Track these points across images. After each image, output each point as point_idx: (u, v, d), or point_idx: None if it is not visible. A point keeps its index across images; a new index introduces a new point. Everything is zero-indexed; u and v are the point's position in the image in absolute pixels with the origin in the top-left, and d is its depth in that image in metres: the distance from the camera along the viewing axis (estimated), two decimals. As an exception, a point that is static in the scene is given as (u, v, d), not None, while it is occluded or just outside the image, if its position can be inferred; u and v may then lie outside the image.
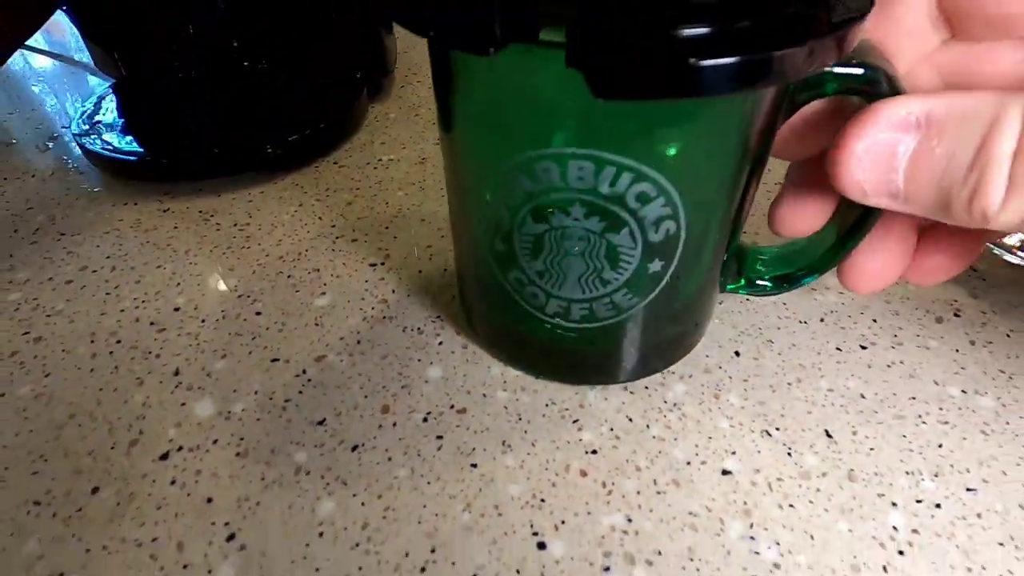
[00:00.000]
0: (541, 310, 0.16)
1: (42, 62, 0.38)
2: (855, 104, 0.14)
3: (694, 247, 0.15)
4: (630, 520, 0.15)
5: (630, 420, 0.18)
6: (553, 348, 0.18)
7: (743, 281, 0.18)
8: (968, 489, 0.16)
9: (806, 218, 0.17)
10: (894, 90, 0.13)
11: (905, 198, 0.13)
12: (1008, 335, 0.20)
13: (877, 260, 0.16)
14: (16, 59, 0.38)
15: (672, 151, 0.13)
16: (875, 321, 0.21)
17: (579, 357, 0.18)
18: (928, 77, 0.15)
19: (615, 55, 0.10)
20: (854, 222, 0.16)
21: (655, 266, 0.15)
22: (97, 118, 0.30)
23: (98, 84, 0.35)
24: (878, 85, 0.13)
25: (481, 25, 0.10)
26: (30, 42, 0.39)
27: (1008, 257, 0.22)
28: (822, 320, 0.21)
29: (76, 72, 0.37)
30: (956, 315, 0.21)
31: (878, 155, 0.13)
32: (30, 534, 0.15)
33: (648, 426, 0.18)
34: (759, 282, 0.18)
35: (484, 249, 0.16)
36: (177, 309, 0.21)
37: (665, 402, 0.18)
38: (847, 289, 0.17)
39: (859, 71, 0.13)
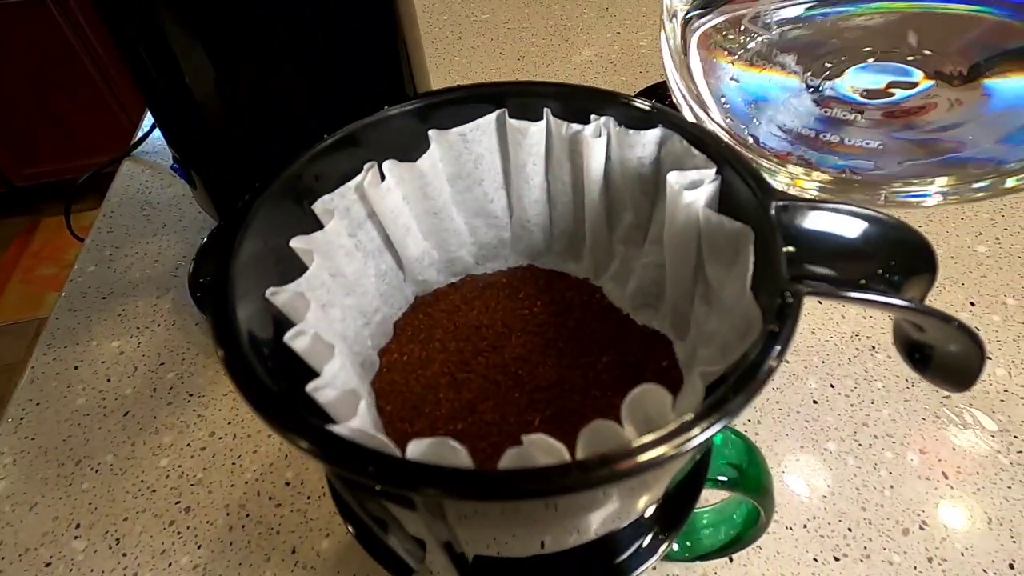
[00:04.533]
0: None
1: (148, 191, 0.44)
2: None
3: None
4: None
5: (640, 622, 0.23)
6: None
7: None
8: None
9: None
10: None
11: None
12: (962, 553, 0.24)
13: None
14: (125, 184, 0.44)
15: None
16: (850, 530, 0.25)
17: None
18: None
19: None
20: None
21: None
22: (202, 273, 0.35)
23: (203, 221, 0.40)
24: None
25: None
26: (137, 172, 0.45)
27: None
28: (805, 527, 0.25)
29: (182, 203, 0.42)
30: (921, 528, 0.25)
31: None
32: None
33: (653, 628, 0.23)
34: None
35: None
36: (288, 483, 0.27)
37: (668, 606, 0.23)
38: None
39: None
